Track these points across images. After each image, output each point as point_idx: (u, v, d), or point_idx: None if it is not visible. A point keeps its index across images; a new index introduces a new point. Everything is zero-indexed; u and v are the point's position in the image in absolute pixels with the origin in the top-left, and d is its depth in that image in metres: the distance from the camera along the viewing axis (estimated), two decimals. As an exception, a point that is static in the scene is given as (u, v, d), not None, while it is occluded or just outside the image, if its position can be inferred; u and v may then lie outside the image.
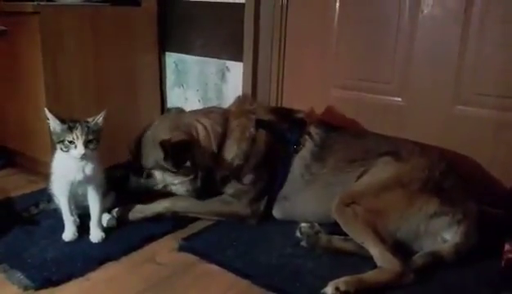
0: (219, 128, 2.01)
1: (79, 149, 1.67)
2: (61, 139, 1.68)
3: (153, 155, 1.97)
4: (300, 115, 2.13)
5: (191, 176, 1.99)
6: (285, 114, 2.13)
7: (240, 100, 2.17)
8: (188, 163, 1.94)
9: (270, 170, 2.01)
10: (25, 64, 2.39)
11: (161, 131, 1.99)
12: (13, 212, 2.02)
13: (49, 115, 1.70)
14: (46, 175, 2.31)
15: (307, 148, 2.00)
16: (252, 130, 2.01)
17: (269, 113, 2.10)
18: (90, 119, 1.73)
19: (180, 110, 2.23)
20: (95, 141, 1.71)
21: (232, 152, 1.99)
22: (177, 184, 2.02)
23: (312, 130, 2.04)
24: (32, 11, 2.25)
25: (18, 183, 2.44)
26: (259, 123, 2.03)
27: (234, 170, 1.99)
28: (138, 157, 2.02)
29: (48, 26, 2.28)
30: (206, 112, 2.12)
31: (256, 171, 1.99)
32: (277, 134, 2.03)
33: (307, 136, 2.02)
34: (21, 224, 1.91)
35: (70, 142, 1.67)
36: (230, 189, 2.02)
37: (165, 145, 1.89)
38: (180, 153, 1.91)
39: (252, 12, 2.51)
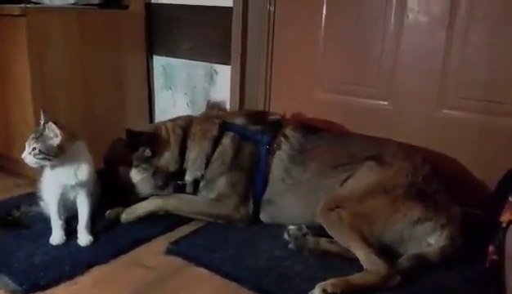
0: (179, 131, 2.10)
1: (24, 152, 1.67)
2: None
3: (118, 149, 2.04)
4: (275, 117, 2.15)
5: (151, 171, 2.02)
6: (258, 117, 2.15)
7: (207, 108, 2.28)
8: (147, 152, 1.99)
9: (246, 172, 2.02)
10: (12, 66, 2.37)
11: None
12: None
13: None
14: (32, 179, 2.31)
15: (284, 150, 2.01)
16: (214, 132, 2.06)
17: (240, 116, 2.13)
18: (46, 129, 1.68)
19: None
20: (37, 151, 1.65)
21: (194, 152, 2.05)
22: (139, 180, 2.04)
23: (288, 132, 2.05)
24: (19, 13, 2.23)
25: (3, 186, 2.41)
26: (225, 126, 2.07)
27: (198, 169, 2.04)
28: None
29: (35, 28, 2.27)
30: (175, 118, 2.21)
31: (228, 173, 2.01)
32: (246, 135, 2.05)
33: (282, 138, 2.03)
34: (6, 228, 1.89)
35: (26, 142, 1.68)
36: (210, 193, 2.03)
37: (127, 134, 1.97)
38: (137, 141, 1.99)
39: (240, 16, 2.52)
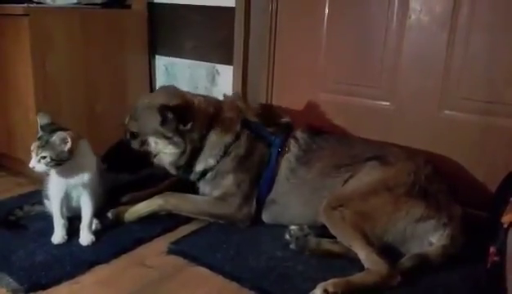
0: (212, 109, 2.04)
1: (32, 161, 1.66)
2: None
3: (150, 121, 1.96)
4: (286, 120, 2.15)
5: (181, 149, 1.98)
6: (271, 118, 2.15)
7: (234, 96, 2.22)
8: (189, 126, 1.94)
9: (254, 173, 2.02)
10: (15, 65, 2.38)
11: (159, 98, 2.01)
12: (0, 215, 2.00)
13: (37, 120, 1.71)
14: (34, 178, 2.31)
15: (293, 152, 2.02)
16: (238, 127, 2.04)
17: (256, 115, 2.12)
18: (53, 136, 1.67)
19: (174, 87, 2.22)
20: (49, 159, 1.65)
21: (216, 138, 2.02)
22: (167, 153, 1.99)
23: (298, 134, 2.06)
24: (22, 13, 2.24)
25: (5, 186, 2.42)
26: (245, 123, 2.06)
27: (214, 156, 2.02)
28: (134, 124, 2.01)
29: (38, 28, 2.28)
30: (204, 96, 2.16)
31: (236, 172, 2.01)
32: (261, 136, 2.05)
33: (292, 140, 2.04)
34: (8, 228, 1.89)
35: (32, 150, 1.67)
36: (215, 189, 2.03)
37: (164, 110, 1.91)
38: (181, 114, 1.93)
39: (242, 16, 2.53)
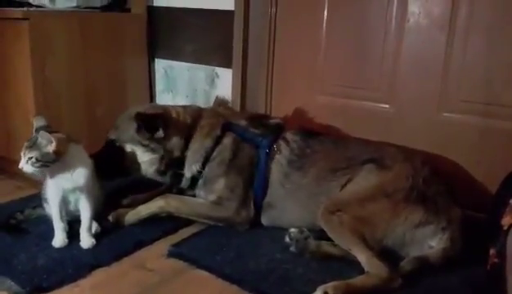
0: (190, 119, 2.09)
1: (21, 162, 1.67)
2: None
3: (127, 128, 2.02)
4: (276, 121, 2.16)
5: (159, 155, 2.03)
6: (260, 120, 2.16)
7: (216, 103, 2.25)
8: (160, 133, 1.99)
9: (245, 175, 2.02)
10: (14, 69, 2.38)
11: (137, 109, 2.06)
12: (0, 219, 1.98)
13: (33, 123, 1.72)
14: (34, 182, 2.31)
15: (284, 154, 2.01)
16: (218, 131, 2.06)
17: (242, 118, 2.13)
18: (38, 138, 1.68)
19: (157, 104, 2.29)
20: (34, 159, 1.65)
21: (196, 145, 2.05)
22: (146, 161, 2.04)
23: (289, 136, 2.05)
24: (22, 17, 2.25)
25: (5, 189, 2.42)
26: (227, 126, 2.07)
27: (196, 162, 2.04)
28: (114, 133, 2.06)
29: (38, 32, 2.28)
30: (185, 106, 2.21)
31: (227, 175, 2.01)
32: (246, 138, 2.06)
33: (283, 142, 2.03)
34: (9, 231, 1.89)
35: (21, 151, 1.68)
36: (209, 194, 2.03)
37: (139, 117, 1.97)
38: (152, 122, 1.99)
39: (241, 19, 2.53)
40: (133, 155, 2.03)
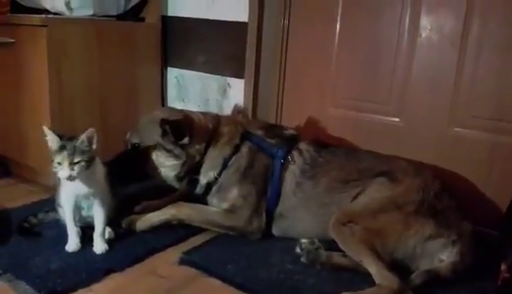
0: (210, 125, 2.11)
1: (64, 171, 1.66)
2: (52, 159, 1.67)
3: (151, 133, 2.02)
4: (291, 132, 2.18)
5: (182, 161, 2.03)
6: (275, 131, 2.18)
7: (234, 111, 2.25)
8: (186, 140, 2.00)
9: (259, 185, 2.03)
10: (31, 75, 2.41)
11: (160, 114, 2.08)
12: (13, 223, 2.00)
13: (47, 132, 1.69)
14: (46, 186, 2.34)
15: (297, 164, 2.03)
16: (237, 140, 2.08)
17: (259, 128, 2.15)
18: (79, 138, 1.69)
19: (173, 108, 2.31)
20: (83, 162, 1.67)
21: (215, 152, 2.07)
22: (169, 166, 2.04)
23: (303, 146, 2.08)
24: (40, 23, 2.29)
25: (18, 193, 2.44)
26: (245, 136, 2.09)
27: (214, 168, 2.06)
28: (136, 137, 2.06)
29: (55, 39, 2.32)
30: (204, 112, 2.23)
31: (241, 184, 2.03)
32: (263, 148, 2.08)
33: (296, 153, 2.06)
34: (23, 235, 1.91)
35: (59, 163, 1.66)
36: (222, 202, 2.04)
37: (164, 123, 1.98)
38: (179, 129, 1.99)
39: (255, 31, 2.57)
40: (156, 160, 2.04)
